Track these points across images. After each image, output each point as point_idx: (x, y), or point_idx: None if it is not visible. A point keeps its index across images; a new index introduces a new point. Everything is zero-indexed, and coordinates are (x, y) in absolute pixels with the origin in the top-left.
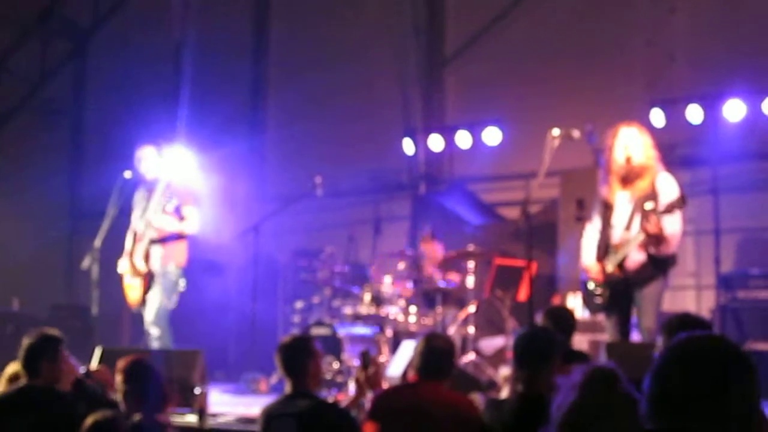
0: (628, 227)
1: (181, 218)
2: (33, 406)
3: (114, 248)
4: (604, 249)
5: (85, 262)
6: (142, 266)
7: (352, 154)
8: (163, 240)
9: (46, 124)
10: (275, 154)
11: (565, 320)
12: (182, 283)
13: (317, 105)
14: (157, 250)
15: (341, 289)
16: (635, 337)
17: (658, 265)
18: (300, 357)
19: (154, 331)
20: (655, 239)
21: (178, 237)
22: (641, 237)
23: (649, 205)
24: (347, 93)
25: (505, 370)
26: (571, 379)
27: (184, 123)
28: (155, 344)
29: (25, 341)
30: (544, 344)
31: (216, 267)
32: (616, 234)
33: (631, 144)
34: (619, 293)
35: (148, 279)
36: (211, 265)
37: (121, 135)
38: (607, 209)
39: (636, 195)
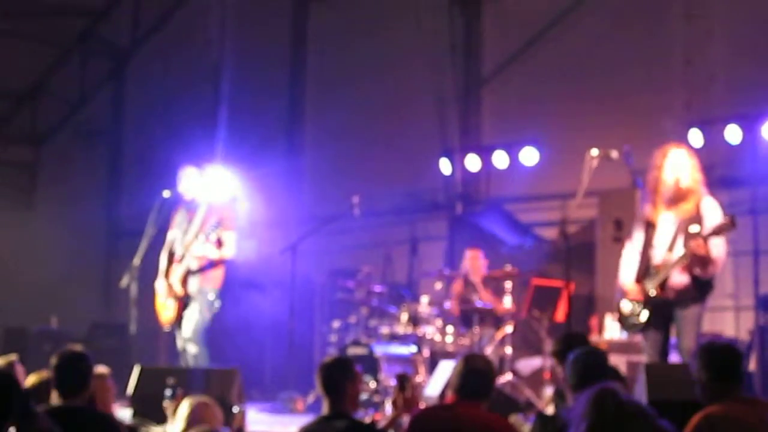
0: (671, 248)
1: (220, 244)
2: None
3: (152, 267)
4: (645, 269)
5: (124, 281)
6: (179, 289)
7: (389, 173)
8: (202, 269)
9: (85, 144)
10: (313, 174)
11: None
12: (218, 304)
13: (354, 124)
14: (196, 275)
15: (378, 308)
16: (674, 358)
17: (701, 287)
18: (340, 378)
19: (191, 349)
20: (701, 261)
21: (216, 264)
22: (685, 259)
23: (694, 228)
24: (384, 112)
25: (549, 390)
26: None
27: (222, 143)
28: (192, 362)
29: (54, 360)
30: (599, 364)
31: (254, 286)
32: (658, 255)
33: (681, 166)
34: (659, 314)
35: (184, 301)
36: (249, 284)
37: (160, 155)
38: (649, 229)
39: (680, 217)
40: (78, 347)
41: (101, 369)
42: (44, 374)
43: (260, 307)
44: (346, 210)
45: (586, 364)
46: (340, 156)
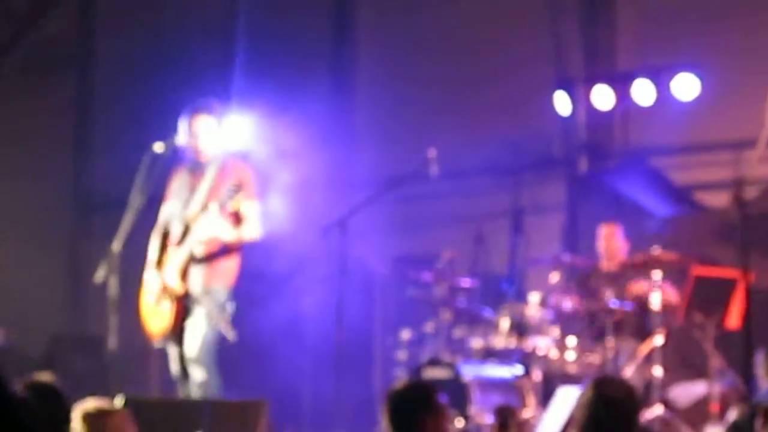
0: None
1: (237, 219)
2: None
3: (138, 255)
4: None
5: (99, 275)
6: (176, 285)
7: (479, 117)
8: (211, 257)
9: (40, 77)
10: (368, 121)
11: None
12: (231, 307)
13: (426, 50)
14: (200, 268)
15: (467, 311)
16: None
17: None
18: (415, 412)
19: (196, 374)
20: None
21: (232, 249)
22: None
23: None
24: (471, 30)
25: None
26: None
27: (241, 78)
28: (197, 391)
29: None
30: None
31: (284, 280)
32: None
33: None
34: None
35: (184, 303)
36: (278, 277)
37: (150, 92)
38: None
39: None
40: (45, 376)
41: (108, 404)
42: None
43: (295, 310)
44: (417, 170)
45: None
46: (408, 95)
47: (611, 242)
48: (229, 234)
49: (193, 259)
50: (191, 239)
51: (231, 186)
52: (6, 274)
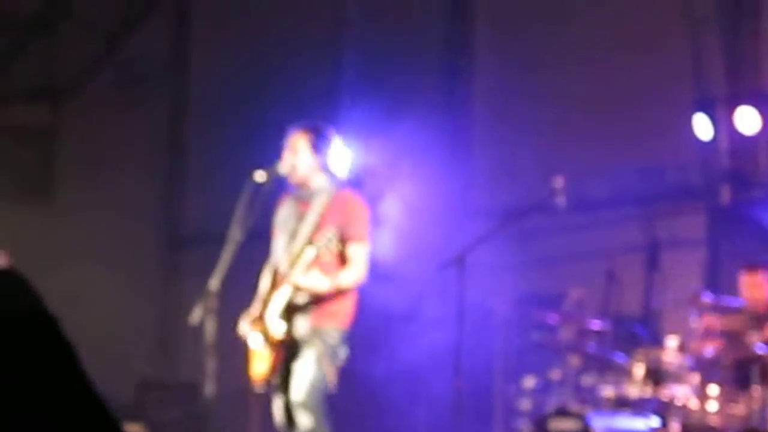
0: None
1: (343, 261)
2: None
3: (238, 295)
4: None
5: (195, 316)
6: (277, 331)
7: (609, 142)
8: (315, 301)
9: (130, 99)
10: (486, 146)
11: None
12: (344, 352)
13: (550, 68)
14: (307, 309)
15: (597, 357)
16: None
17: None
18: None
19: (303, 421)
20: None
21: (337, 293)
22: None
23: None
24: (599, 45)
25: None
26: None
27: (348, 100)
28: None
29: None
30: None
31: (396, 322)
32: None
33: None
34: None
35: (289, 346)
36: (389, 318)
37: (249, 116)
38: None
39: None
40: (133, 428)
41: None
42: None
43: (409, 356)
44: (542, 200)
45: None
46: (530, 118)
47: (755, 292)
48: (322, 284)
49: (294, 303)
50: (294, 278)
51: (330, 234)
52: (91, 313)
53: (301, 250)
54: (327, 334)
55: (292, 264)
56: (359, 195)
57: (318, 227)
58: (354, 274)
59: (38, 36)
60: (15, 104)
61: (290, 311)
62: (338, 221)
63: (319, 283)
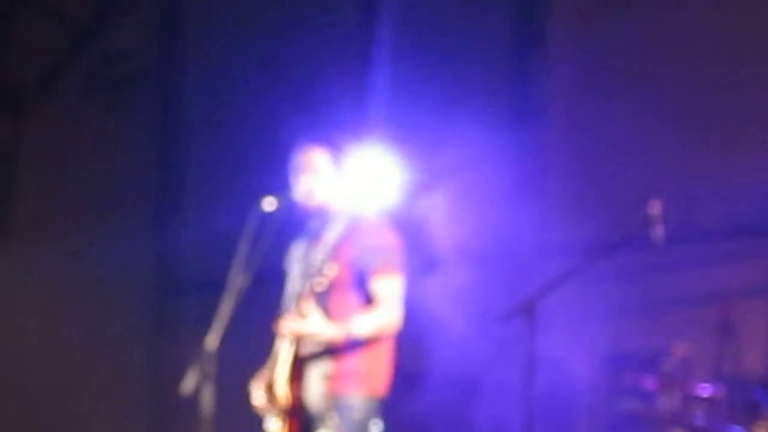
0: None
1: (366, 299)
2: None
3: (244, 354)
4: None
5: (189, 383)
6: (283, 394)
7: (720, 158)
8: (333, 351)
9: (110, 104)
10: (561, 165)
11: None
12: (378, 429)
13: (643, 66)
14: (321, 367)
15: (709, 431)
16: None
17: None
18: None
19: None
20: None
21: (365, 344)
22: None
23: None
24: (705, 38)
25: None
26: None
27: (379, 105)
28: None
29: None
30: None
31: (449, 385)
32: None
33: None
34: None
35: (300, 419)
36: (437, 380)
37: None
38: None
39: None
40: None
41: None
42: None
43: (467, 426)
44: (634, 232)
45: None
46: (618, 129)
47: None
48: (357, 324)
49: (303, 359)
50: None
51: (322, 256)
52: (65, 377)
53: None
54: (349, 406)
55: (303, 305)
56: (385, 221)
57: (329, 259)
58: (380, 316)
59: None
60: None
61: (298, 370)
62: (355, 251)
63: (323, 328)
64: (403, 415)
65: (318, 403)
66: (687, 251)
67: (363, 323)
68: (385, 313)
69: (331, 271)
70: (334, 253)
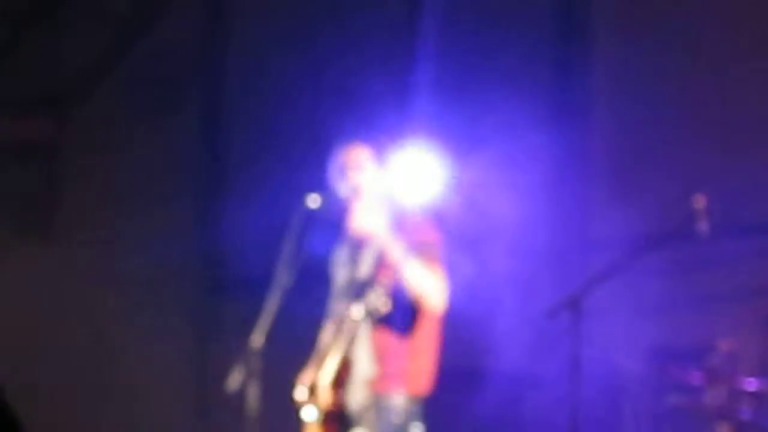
0: None
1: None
2: None
3: (290, 351)
4: None
5: (234, 380)
6: (325, 395)
7: (764, 149)
8: (382, 354)
9: (152, 108)
10: (606, 158)
11: None
12: (418, 430)
13: (690, 56)
14: (365, 367)
15: (754, 426)
16: None
17: None
18: None
19: None
20: None
21: (412, 341)
22: None
23: None
24: (758, 29)
25: None
26: None
27: (423, 104)
28: None
29: None
30: None
31: (494, 381)
32: None
33: None
34: None
35: (339, 420)
36: (485, 378)
37: (300, 127)
38: None
39: None
40: None
41: None
42: None
43: (512, 425)
44: (680, 226)
45: None
46: (664, 121)
47: None
48: (388, 237)
49: (350, 361)
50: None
51: (380, 290)
52: (106, 374)
53: (366, 290)
54: (390, 408)
55: (351, 308)
56: (428, 218)
57: (381, 264)
58: (434, 301)
59: (33, 28)
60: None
61: (342, 377)
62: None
63: (384, 231)
64: (450, 410)
65: (359, 405)
66: (733, 246)
67: (417, 267)
68: (435, 300)
69: (385, 306)
70: (380, 257)
